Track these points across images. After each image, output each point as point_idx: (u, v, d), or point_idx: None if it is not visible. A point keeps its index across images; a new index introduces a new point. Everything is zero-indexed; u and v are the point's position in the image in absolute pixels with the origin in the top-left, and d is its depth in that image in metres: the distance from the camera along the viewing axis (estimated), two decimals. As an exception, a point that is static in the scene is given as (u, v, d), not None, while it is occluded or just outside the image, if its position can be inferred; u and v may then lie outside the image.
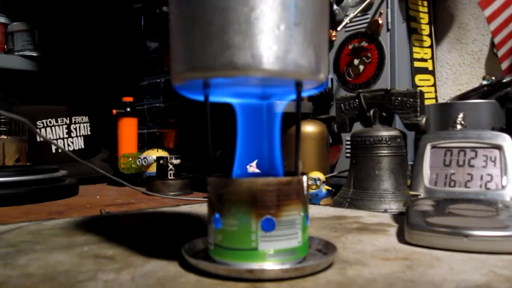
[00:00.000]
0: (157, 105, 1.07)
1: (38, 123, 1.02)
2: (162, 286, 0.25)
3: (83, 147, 1.07)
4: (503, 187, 0.41)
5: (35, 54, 1.23)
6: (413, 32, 0.81)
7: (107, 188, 0.92)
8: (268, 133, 0.31)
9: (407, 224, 0.36)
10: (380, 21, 0.77)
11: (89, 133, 1.09)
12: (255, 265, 0.27)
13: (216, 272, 0.27)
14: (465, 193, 0.42)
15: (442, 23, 0.89)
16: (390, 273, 0.28)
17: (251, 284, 0.26)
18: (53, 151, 1.02)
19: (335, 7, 0.83)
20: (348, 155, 0.73)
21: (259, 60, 0.25)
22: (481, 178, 0.43)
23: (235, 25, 0.25)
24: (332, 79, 0.86)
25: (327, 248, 0.32)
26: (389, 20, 0.78)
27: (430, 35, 0.85)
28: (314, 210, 0.53)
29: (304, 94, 0.31)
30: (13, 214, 0.57)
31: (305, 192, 0.29)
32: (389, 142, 0.58)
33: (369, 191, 0.57)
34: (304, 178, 0.29)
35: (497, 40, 0.75)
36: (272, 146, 0.30)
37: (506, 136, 0.44)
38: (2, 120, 0.88)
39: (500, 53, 0.74)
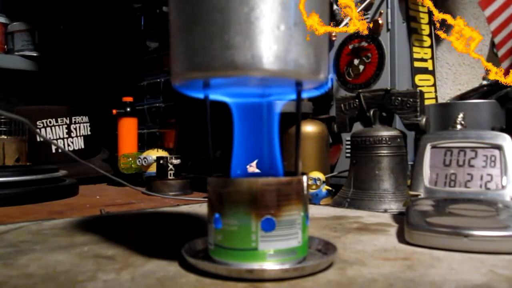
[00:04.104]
0: (157, 105, 1.07)
1: (38, 123, 1.02)
2: (162, 286, 0.25)
3: (83, 147, 1.07)
4: (503, 187, 0.41)
5: (35, 54, 1.23)
6: (413, 32, 0.81)
7: (107, 188, 0.92)
8: (268, 133, 0.31)
9: (407, 224, 0.36)
10: (380, 21, 0.77)
11: (89, 133, 1.09)
12: (255, 265, 0.27)
13: (216, 272, 0.27)
14: (465, 193, 0.42)
15: (442, 23, 0.89)
16: (390, 273, 0.28)
17: (251, 284, 0.26)
18: (53, 151, 1.02)
19: (335, 7, 0.83)
20: (348, 155, 0.73)
21: (259, 60, 0.25)
22: (481, 178, 0.43)
23: (235, 25, 0.25)
24: (332, 79, 0.86)
25: (327, 248, 0.32)
26: (389, 20, 0.77)
27: (430, 35, 0.85)
28: (314, 210, 0.53)
29: (306, 95, 0.31)
30: (13, 214, 0.57)
31: (305, 192, 0.29)
32: (389, 142, 0.58)
33: (369, 191, 0.57)
34: (304, 178, 0.29)
35: (497, 40, 0.75)
36: (272, 146, 0.30)
37: (506, 136, 0.44)
38: (2, 120, 0.88)
39: (500, 53, 0.74)
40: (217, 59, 0.25)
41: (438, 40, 0.89)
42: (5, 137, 0.88)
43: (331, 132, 0.74)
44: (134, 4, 1.15)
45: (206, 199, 0.33)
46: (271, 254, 0.27)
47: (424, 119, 0.57)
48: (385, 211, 0.54)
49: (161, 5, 1.06)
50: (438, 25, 0.24)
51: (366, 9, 0.80)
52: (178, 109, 1.02)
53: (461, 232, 0.33)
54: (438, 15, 0.24)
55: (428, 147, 0.46)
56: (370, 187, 0.57)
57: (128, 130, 1.00)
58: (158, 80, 1.08)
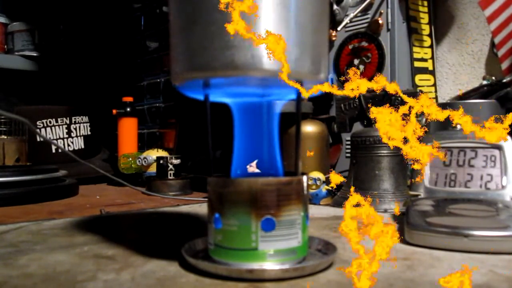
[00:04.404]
0: (157, 105, 1.07)
1: (38, 123, 1.02)
2: (162, 286, 0.25)
3: (83, 147, 1.07)
4: (503, 187, 0.41)
5: (35, 54, 1.23)
6: (413, 32, 0.81)
7: (107, 188, 0.92)
8: (268, 133, 0.31)
9: (407, 224, 0.36)
10: (380, 21, 0.77)
11: (89, 133, 1.09)
12: (255, 265, 0.27)
13: (216, 272, 0.27)
14: (465, 193, 0.42)
15: (442, 23, 0.89)
16: (390, 273, 0.28)
17: (251, 284, 0.26)
18: (53, 151, 1.02)
19: (335, 7, 0.83)
20: (348, 155, 0.73)
21: (259, 60, 0.25)
22: (481, 178, 0.43)
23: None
24: (332, 79, 0.86)
25: (327, 248, 0.32)
26: (389, 20, 0.77)
27: (430, 35, 0.85)
28: (314, 210, 0.53)
29: (306, 95, 0.31)
30: (13, 214, 0.57)
31: (305, 192, 0.29)
32: (389, 142, 0.58)
33: (369, 191, 0.57)
34: (304, 178, 0.29)
35: (497, 40, 0.75)
36: (272, 146, 0.30)
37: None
38: (2, 120, 0.88)
39: (500, 53, 0.74)
40: (217, 59, 0.25)
41: (438, 40, 0.89)
42: (5, 137, 0.88)
43: (331, 132, 0.74)
44: (134, 4, 1.15)
45: (206, 199, 0.33)
46: (271, 254, 0.27)
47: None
48: (385, 211, 0.54)
49: (161, 5, 1.06)
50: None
51: (366, 9, 0.80)
52: (178, 109, 1.02)
53: (461, 232, 0.33)
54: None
55: (428, 147, 0.46)
56: (370, 187, 0.57)
57: (128, 130, 1.00)
58: (158, 80, 1.08)
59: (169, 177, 0.81)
